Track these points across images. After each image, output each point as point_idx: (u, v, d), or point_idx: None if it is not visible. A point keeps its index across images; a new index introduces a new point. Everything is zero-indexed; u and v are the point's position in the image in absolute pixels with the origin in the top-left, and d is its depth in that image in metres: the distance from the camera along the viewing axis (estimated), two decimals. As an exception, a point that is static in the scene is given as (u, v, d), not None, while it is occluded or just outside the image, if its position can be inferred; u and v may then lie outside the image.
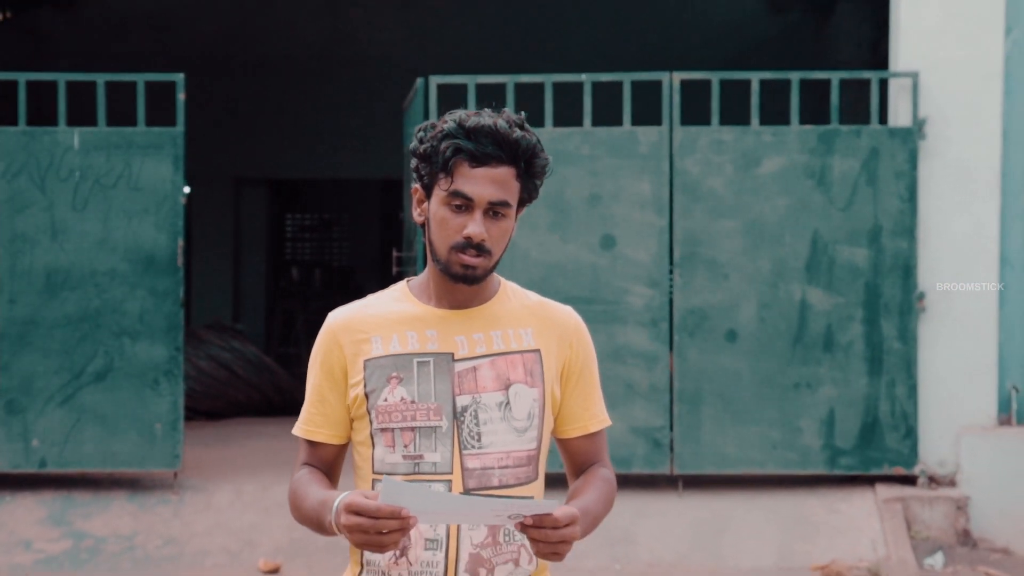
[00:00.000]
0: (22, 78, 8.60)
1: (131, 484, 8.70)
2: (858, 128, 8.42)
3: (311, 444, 2.56)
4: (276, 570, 7.83)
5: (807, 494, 8.44)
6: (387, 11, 16.70)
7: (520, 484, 2.48)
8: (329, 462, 2.56)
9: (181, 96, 8.52)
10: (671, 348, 8.46)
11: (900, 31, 8.53)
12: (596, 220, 8.51)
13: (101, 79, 8.55)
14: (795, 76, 8.47)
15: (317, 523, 2.43)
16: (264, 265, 17.89)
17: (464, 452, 2.46)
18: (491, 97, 8.80)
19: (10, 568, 7.96)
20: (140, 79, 8.55)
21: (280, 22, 16.88)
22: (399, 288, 2.57)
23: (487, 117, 2.46)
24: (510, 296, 2.57)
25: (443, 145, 2.45)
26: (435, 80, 8.58)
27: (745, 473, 8.50)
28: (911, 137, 8.39)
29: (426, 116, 8.66)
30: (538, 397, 2.51)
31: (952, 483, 8.40)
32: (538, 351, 2.53)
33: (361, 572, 2.51)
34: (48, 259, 8.47)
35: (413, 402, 2.46)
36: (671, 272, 8.47)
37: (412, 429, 2.46)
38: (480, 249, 2.46)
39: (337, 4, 16.85)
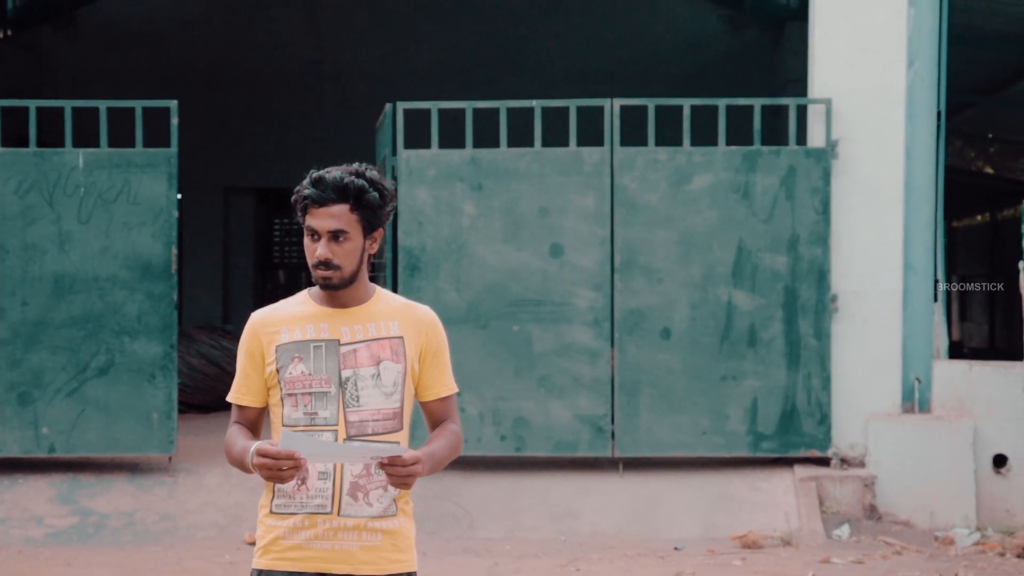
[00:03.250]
0: (33, 105, 9.61)
1: (131, 467, 9.72)
2: (777, 149, 9.47)
3: (239, 407, 3.54)
4: (260, 542, 8.84)
5: (732, 474, 9.48)
6: (367, 31, 17.74)
7: (388, 432, 3.44)
8: (252, 420, 3.54)
9: (175, 121, 9.53)
10: (612, 345, 9.48)
11: (816, 62, 9.58)
12: (545, 231, 9.53)
13: (103, 105, 9.55)
14: (721, 103, 9.51)
15: (241, 464, 3.40)
16: (252, 268, 18.91)
17: (347, 409, 3.42)
18: (452, 121, 9.81)
19: (24, 541, 8.98)
20: (138, 105, 9.56)
21: (267, 41, 17.92)
22: (303, 294, 3.56)
23: (332, 171, 3.43)
24: (382, 299, 3.54)
25: (301, 195, 3.43)
26: (402, 106, 9.61)
27: (678, 456, 9.54)
28: (825, 157, 9.44)
29: (394, 137, 9.69)
30: (401, 371, 3.47)
31: (861, 464, 9.44)
32: (401, 338, 3.48)
33: (273, 497, 3.45)
34: (56, 266, 9.47)
35: (310, 375, 3.43)
36: (612, 277, 9.50)
37: (310, 394, 3.43)
38: (328, 265, 3.41)
39: (321, 24, 17.90)
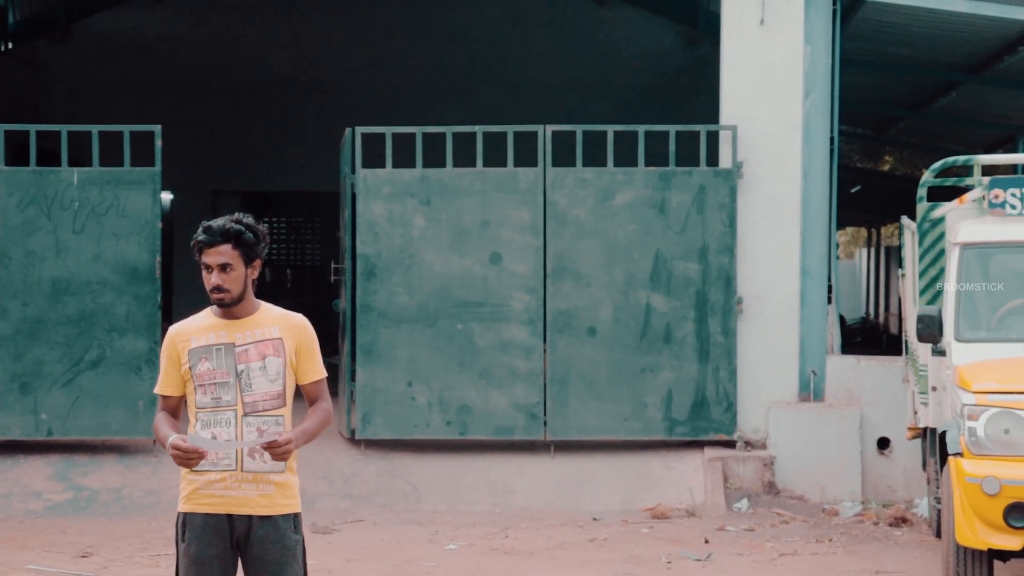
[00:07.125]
0: (33, 129, 10.91)
1: (120, 449, 10.99)
2: (690, 169, 10.74)
3: (163, 397, 4.70)
4: (232, 513, 10.11)
5: (650, 455, 10.77)
6: (345, 45, 19.03)
7: (274, 409, 4.61)
8: (174, 406, 4.72)
9: (159, 143, 10.80)
10: (544, 341, 10.77)
11: (724, 92, 10.86)
12: (486, 241, 10.80)
13: (95, 129, 10.81)
14: (641, 128, 10.79)
15: (162, 446, 4.58)
16: (238, 267, 20.08)
17: (243, 393, 4.60)
18: (405, 144, 11.05)
19: (25, 513, 10.26)
20: (126, 129, 10.81)
21: (251, 54, 19.21)
22: (207, 311, 4.71)
23: (218, 220, 4.60)
24: (266, 311, 4.72)
25: (196, 240, 4.61)
26: (360, 130, 10.88)
27: (602, 439, 10.82)
28: (732, 177, 10.71)
29: (353, 157, 10.95)
30: (282, 363, 4.64)
31: (763, 446, 10.72)
32: (281, 339, 4.66)
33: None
34: (53, 271, 10.74)
35: (214, 370, 4.62)
36: (545, 282, 10.77)
37: (215, 383, 4.61)
38: (220, 290, 4.57)
39: (301, 39, 19.20)
